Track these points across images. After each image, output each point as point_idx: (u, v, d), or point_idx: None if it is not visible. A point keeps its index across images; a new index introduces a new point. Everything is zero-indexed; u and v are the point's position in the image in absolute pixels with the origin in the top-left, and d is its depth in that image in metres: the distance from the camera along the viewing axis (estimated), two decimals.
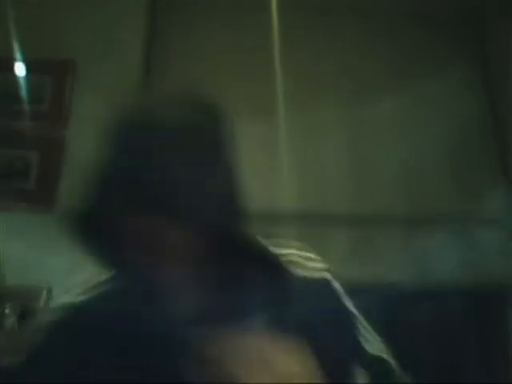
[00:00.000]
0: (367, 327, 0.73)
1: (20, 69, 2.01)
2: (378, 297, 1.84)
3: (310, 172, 2.09)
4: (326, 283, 0.72)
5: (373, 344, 0.71)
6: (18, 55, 1.92)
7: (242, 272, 0.65)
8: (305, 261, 0.73)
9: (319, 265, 0.74)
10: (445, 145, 2.19)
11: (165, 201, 0.56)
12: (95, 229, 0.63)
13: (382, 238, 2.04)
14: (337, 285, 0.73)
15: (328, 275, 0.73)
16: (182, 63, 2.26)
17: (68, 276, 1.53)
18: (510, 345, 2.01)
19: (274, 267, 0.67)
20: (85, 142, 2.04)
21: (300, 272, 0.70)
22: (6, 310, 1.50)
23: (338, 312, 0.71)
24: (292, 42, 2.17)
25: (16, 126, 1.97)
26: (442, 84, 2.26)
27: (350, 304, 0.73)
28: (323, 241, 2.00)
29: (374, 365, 0.68)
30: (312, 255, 0.75)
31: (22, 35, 1.90)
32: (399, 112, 2.25)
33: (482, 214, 2.09)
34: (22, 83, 1.99)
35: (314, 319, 0.65)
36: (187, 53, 2.27)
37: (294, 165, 2.07)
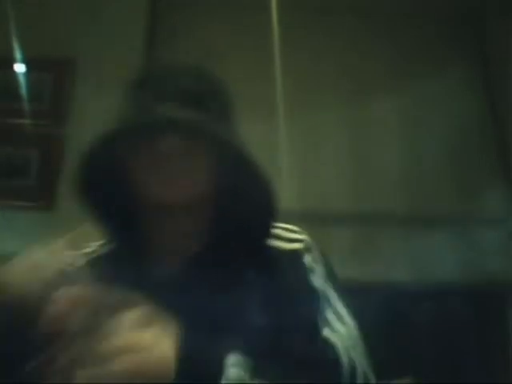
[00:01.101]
0: (336, 306, 0.68)
1: (20, 67, 2.01)
2: (377, 297, 1.84)
3: (310, 172, 2.09)
4: (295, 255, 0.71)
5: (331, 325, 0.65)
6: (18, 53, 1.92)
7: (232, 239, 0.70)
8: (284, 232, 0.74)
9: (296, 236, 0.74)
10: (445, 145, 2.19)
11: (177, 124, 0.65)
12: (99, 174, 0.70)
13: (382, 238, 2.04)
14: (308, 257, 0.71)
15: (300, 246, 0.72)
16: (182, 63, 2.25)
17: None
18: (510, 345, 2.01)
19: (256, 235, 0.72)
20: (84, 140, 2.05)
21: (276, 243, 0.72)
22: None
23: (297, 287, 0.68)
24: (292, 42, 2.17)
25: (16, 124, 1.97)
26: (442, 84, 2.26)
27: (317, 280, 0.69)
28: (323, 240, 2.00)
29: (322, 351, 0.62)
30: (293, 227, 0.76)
31: (22, 34, 1.90)
32: (399, 112, 2.25)
33: (482, 214, 2.09)
34: (22, 81, 1.99)
35: (272, 291, 0.66)
36: (187, 53, 2.27)
37: (294, 165, 2.07)
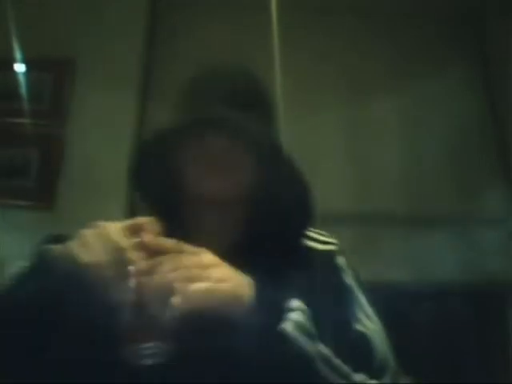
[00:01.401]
0: (364, 305, 0.73)
1: (20, 67, 2.01)
2: (378, 297, 1.84)
3: (310, 171, 2.09)
4: (329, 256, 0.79)
5: (362, 322, 0.70)
6: (18, 54, 1.92)
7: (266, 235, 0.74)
8: (317, 235, 0.82)
9: (329, 239, 0.82)
10: (445, 145, 2.19)
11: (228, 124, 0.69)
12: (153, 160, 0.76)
13: (382, 238, 2.04)
14: (340, 259, 0.79)
15: (333, 248, 0.80)
16: (182, 63, 2.25)
17: None
18: (510, 345, 2.00)
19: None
20: (84, 140, 2.05)
21: (311, 243, 0.80)
22: None
23: (332, 283, 0.74)
24: (292, 42, 2.17)
25: (16, 124, 1.97)
26: (442, 84, 2.26)
27: (349, 279, 0.76)
28: None
29: (356, 342, 0.66)
30: (325, 233, 0.83)
31: (22, 34, 1.90)
32: (399, 112, 2.25)
33: (482, 214, 2.09)
34: (22, 81, 1.99)
35: (309, 286, 0.69)
36: (187, 53, 2.27)
37: None
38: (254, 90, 0.79)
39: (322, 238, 0.81)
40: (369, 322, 0.70)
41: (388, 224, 2.07)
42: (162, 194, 0.79)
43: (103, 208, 1.88)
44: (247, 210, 0.77)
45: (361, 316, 0.71)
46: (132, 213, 2.04)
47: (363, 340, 0.66)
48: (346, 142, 2.18)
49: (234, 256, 0.69)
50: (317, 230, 0.82)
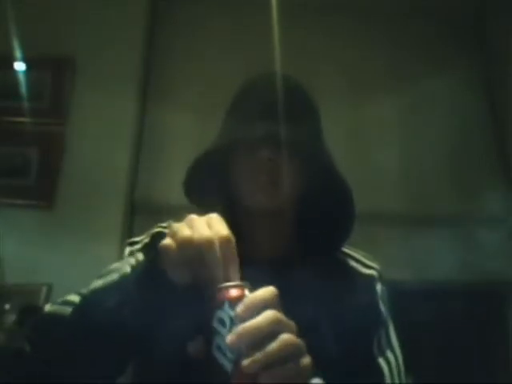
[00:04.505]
0: (391, 336, 0.75)
1: (20, 66, 2.01)
2: None
3: None
4: (370, 280, 0.79)
5: (385, 355, 0.72)
6: (17, 52, 1.92)
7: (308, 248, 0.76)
8: (360, 256, 0.83)
9: (371, 263, 0.82)
10: (445, 145, 2.19)
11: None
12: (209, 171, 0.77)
13: (382, 238, 2.04)
14: (379, 286, 0.79)
15: (375, 274, 0.80)
16: (182, 63, 2.26)
17: (68, 272, 1.53)
18: (510, 345, 2.00)
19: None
20: (84, 139, 2.05)
21: (353, 264, 0.81)
22: (6, 307, 1.50)
23: (368, 309, 0.74)
24: (292, 42, 2.16)
25: (16, 123, 1.97)
26: (442, 84, 2.26)
27: (384, 308, 0.76)
28: None
29: (371, 372, 0.68)
30: (369, 255, 0.84)
31: (22, 32, 1.90)
32: (399, 112, 2.25)
33: (482, 214, 2.09)
34: (22, 80, 2.00)
35: (346, 306, 0.70)
36: (187, 53, 2.27)
37: None
38: (305, 102, 0.81)
39: (365, 261, 0.82)
40: (391, 356, 0.72)
41: (388, 224, 2.07)
42: (215, 206, 0.78)
43: (103, 208, 1.88)
44: (297, 222, 0.79)
45: (385, 347, 0.73)
46: (132, 213, 2.04)
47: (379, 377, 0.69)
48: (345, 142, 2.18)
49: (282, 267, 0.71)
50: (362, 252, 0.84)
